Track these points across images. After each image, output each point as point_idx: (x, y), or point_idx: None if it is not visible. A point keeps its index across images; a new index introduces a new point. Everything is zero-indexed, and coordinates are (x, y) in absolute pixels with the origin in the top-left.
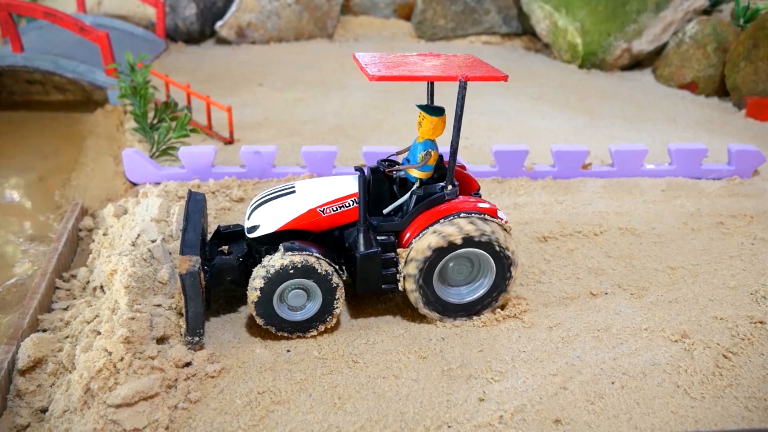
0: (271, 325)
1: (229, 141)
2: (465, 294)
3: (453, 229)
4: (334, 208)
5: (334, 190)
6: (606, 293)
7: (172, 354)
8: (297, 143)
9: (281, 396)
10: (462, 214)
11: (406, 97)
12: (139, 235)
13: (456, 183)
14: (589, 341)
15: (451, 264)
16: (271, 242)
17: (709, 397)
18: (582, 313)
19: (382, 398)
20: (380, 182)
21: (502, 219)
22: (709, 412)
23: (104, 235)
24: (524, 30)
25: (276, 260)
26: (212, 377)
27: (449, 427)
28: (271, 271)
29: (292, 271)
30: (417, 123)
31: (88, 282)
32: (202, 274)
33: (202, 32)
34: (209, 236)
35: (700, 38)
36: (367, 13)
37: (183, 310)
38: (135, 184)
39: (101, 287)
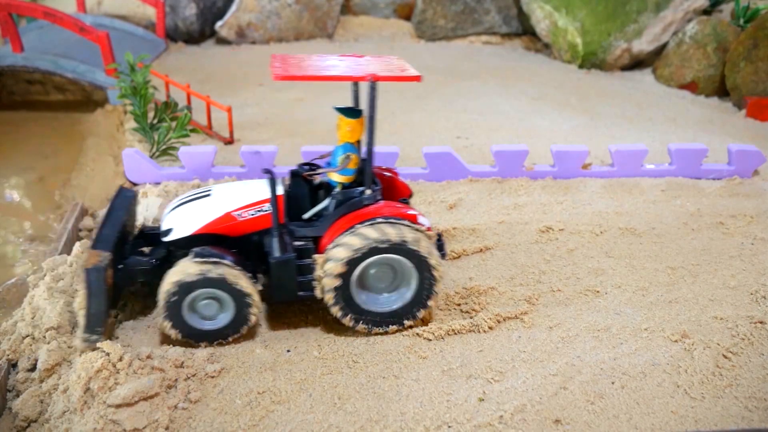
0: (181, 334)
1: (229, 141)
2: (385, 303)
3: (371, 232)
4: (251, 212)
5: (251, 193)
6: (606, 293)
7: (171, 354)
8: (297, 143)
9: (281, 396)
10: (379, 219)
11: (405, 97)
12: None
13: (376, 187)
14: (589, 341)
15: (372, 271)
16: (188, 246)
17: (709, 397)
18: (582, 313)
19: (382, 398)
20: (301, 186)
21: (423, 225)
22: (709, 412)
23: None
24: (524, 30)
25: (183, 268)
26: (212, 377)
27: (449, 427)
28: (177, 280)
29: (200, 280)
30: (336, 126)
31: None
32: (110, 272)
33: (202, 32)
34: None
35: (700, 38)
36: (367, 13)
37: (83, 305)
38: (135, 184)
39: None
